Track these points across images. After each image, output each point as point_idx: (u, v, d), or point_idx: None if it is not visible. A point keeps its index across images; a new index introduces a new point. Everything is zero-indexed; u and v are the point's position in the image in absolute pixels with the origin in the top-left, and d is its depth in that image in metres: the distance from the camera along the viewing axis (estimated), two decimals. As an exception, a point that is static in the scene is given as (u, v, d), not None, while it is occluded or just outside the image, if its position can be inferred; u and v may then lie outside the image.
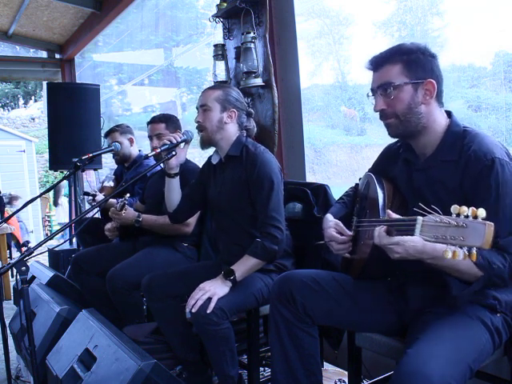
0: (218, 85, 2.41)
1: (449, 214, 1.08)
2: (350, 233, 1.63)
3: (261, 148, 2.11)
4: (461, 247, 1.05)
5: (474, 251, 1.04)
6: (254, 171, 2.02)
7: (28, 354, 1.95)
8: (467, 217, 1.04)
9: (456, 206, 1.05)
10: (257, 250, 1.94)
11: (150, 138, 2.76)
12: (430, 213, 1.11)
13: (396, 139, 1.68)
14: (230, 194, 2.11)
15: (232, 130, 2.12)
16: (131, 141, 3.32)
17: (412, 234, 1.15)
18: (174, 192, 2.26)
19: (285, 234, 1.99)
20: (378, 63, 1.49)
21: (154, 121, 2.77)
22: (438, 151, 1.48)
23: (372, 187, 1.59)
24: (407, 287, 1.57)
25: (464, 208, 1.04)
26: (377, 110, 1.50)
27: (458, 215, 1.05)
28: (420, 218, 1.12)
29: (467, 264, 1.24)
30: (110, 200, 2.86)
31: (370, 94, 1.52)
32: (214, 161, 2.20)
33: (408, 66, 1.44)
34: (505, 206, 1.30)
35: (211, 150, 2.25)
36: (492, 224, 1.02)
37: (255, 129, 2.24)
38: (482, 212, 1.03)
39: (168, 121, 2.74)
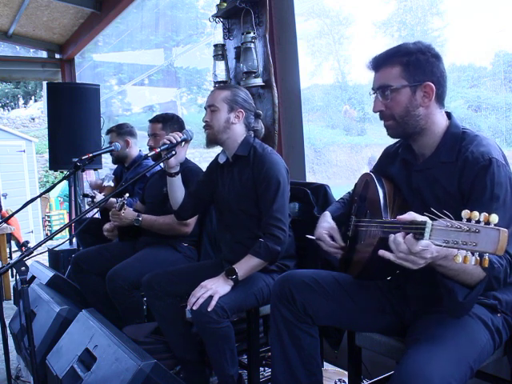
0: (227, 85, 2.43)
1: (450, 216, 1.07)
2: (342, 244, 1.67)
3: (268, 149, 2.12)
4: (472, 253, 1.02)
5: (486, 257, 1.01)
6: (261, 172, 2.03)
7: (28, 354, 1.95)
8: (479, 222, 1.01)
9: (467, 210, 1.02)
10: (259, 250, 1.94)
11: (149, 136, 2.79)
12: (440, 217, 1.08)
13: (395, 140, 1.69)
14: (238, 193, 2.11)
15: (239, 131, 2.13)
16: (127, 143, 3.32)
17: (421, 239, 1.12)
18: (177, 190, 2.27)
19: (288, 234, 1.99)
20: (377, 64, 1.49)
21: (152, 120, 2.80)
22: (436, 152, 1.48)
23: (372, 187, 1.59)
24: (407, 287, 1.58)
25: (475, 213, 1.01)
26: (375, 111, 1.51)
27: (469, 220, 1.02)
28: (429, 222, 1.09)
29: (474, 266, 1.22)
30: (110, 199, 2.87)
31: (372, 92, 1.53)
32: (221, 160, 2.21)
33: (406, 68, 1.43)
34: (498, 207, 1.30)
35: (212, 151, 2.25)
36: (506, 230, 0.99)
37: (263, 130, 2.26)
38: (494, 218, 1.00)
39: (166, 121, 2.75)
